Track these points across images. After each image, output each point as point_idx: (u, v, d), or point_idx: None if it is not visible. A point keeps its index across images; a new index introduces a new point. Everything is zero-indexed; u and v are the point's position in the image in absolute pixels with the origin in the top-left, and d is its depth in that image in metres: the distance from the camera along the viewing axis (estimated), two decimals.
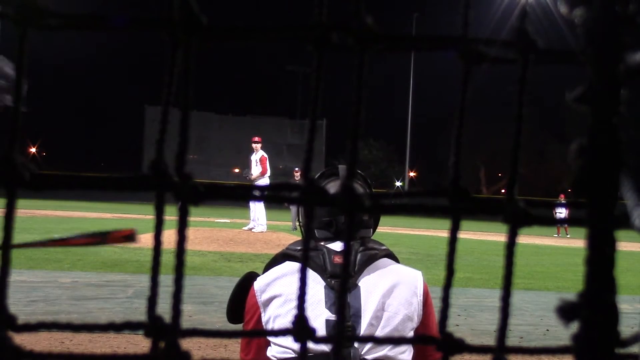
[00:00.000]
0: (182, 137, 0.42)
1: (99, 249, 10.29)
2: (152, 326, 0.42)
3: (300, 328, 0.44)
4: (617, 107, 0.42)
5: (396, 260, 1.96)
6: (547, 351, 0.45)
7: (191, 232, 11.77)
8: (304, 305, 0.45)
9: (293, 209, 18.44)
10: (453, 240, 0.45)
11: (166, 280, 0.40)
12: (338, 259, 1.82)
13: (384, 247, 1.96)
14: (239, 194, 0.44)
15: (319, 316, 1.73)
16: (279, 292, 1.80)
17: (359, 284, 1.79)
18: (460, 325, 5.84)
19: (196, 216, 18.33)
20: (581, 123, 0.43)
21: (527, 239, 19.37)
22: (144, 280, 7.21)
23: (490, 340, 5.14)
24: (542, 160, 50.89)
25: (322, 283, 1.78)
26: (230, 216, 22.03)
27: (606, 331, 0.41)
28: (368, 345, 1.71)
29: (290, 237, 13.34)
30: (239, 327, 1.92)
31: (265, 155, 14.79)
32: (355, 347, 1.70)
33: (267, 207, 14.66)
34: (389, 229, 22.48)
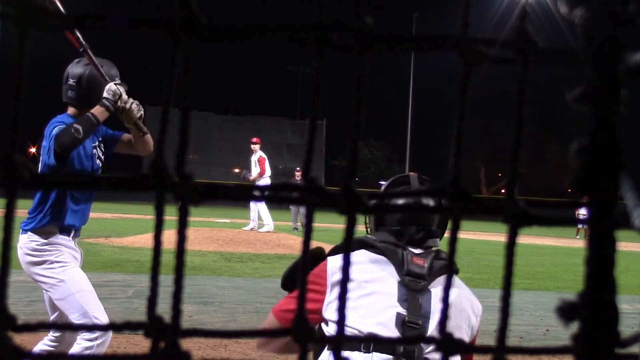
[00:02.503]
0: (182, 137, 0.42)
1: (98, 249, 10.29)
2: (152, 326, 0.42)
3: (301, 328, 0.44)
4: (617, 107, 0.42)
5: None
6: (547, 351, 0.45)
7: (191, 232, 11.76)
8: (304, 305, 0.45)
9: (293, 208, 18.44)
10: (453, 240, 0.45)
11: (166, 280, 0.40)
12: (417, 260, 1.89)
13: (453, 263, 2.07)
14: (239, 194, 0.44)
15: (390, 308, 1.80)
16: (351, 277, 1.83)
17: (431, 289, 1.86)
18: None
19: (196, 216, 18.35)
20: (581, 123, 0.43)
21: (527, 239, 19.37)
22: (144, 280, 7.21)
23: (490, 340, 5.13)
24: (542, 160, 50.89)
25: (397, 278, 1.85)
26: (230, 216, 22.03)
27: (606, 331, 0.41)
28: (431, 347, 1.75)
29: (290, 237, 13.34)
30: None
31: (264, 156, 14.82)
32: (420, 346, 1.75)
33: (269, 207, 14.69)
34: None
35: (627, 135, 0.42)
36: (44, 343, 3.35)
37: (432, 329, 1.78)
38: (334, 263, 1.91)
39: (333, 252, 1.99)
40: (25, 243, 3.23)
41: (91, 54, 3.18)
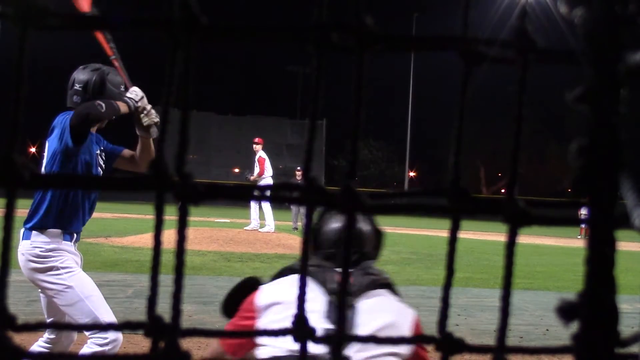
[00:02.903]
0: (182, 137, 0.42)
1: (98, 249, 10.30)
2: (152, 326, 0.42)
3: (300, 328, 0.44)
4: (617, 107, 0.42)
5: (394, 290, 2.08)
6: (547, 351, 0.45)
7: (191, 232, 11.77)
8: (304, 305, 0.45)
9: (294, 208, 18.45)
10: (453, 240, 0.45)
11: (166, 280, 0.40)
12: (339, 277, 1.92)
13: (385, 276, 2.08)
14: (239, 194, 0.44)
15: (317, 324, 1.77)
16: (281, 300, 1.89)
17: (357, 305, 1.91)
18: (460, 325, 5.84)
19: (196, 216, 18.35)
20: (581, 123, 0.43)
21: (527, 239, 19.37)
22: (144, 280, 7.21)
23: (490, 340, 5.14)
24: (542, 160, 50.88)
25: (323, 296, 1.89)
26: (230, 216, 22.03)
27: (606, 331, 0.41)
28: (357, 347, 1.80)
29: (290, 237, 13.34)
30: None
31: (264, 157, 14.83)
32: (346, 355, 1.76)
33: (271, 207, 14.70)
34: (389, 229, 22.43)
35: (627, 135, 0.42)
36: (39, 345, 3.35)
37: (356, 346, 1.81)
38: (264, 290, 1.97)
39: (273, 278, 2.08)
40: (27, 249, 3.19)
41: (120, 62, 3.25)
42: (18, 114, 0.40)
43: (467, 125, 0.45)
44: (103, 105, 3.13)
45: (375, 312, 1.90)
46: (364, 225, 2.10)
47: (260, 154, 14.82)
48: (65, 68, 3.50)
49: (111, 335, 3.19)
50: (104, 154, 3.44)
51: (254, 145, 15.00)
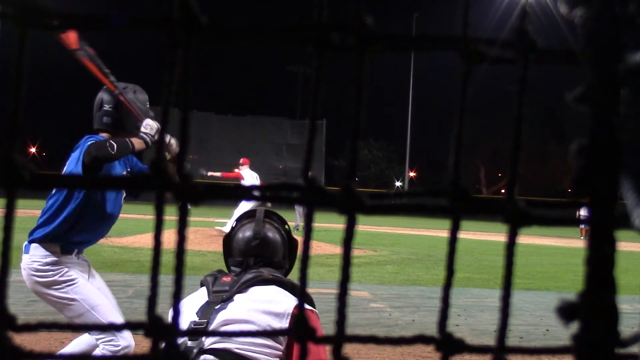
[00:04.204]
0: (182, 137, 0.42)
1: (99, 249, 10.30)
2: (152, 326, 0.42)
3: (301, 327, 0.44)
4: (617, 107, 0.42)
5: (292, 291, 2.13)
6: (547, 351, 0.45)
7: (191, 232, 11.78)
8: (303, 305, 0.45)
9: (298, 208, 18.48)
10: (453, 240, 0.45)
11: (166, 280, 0.40)
12: (225, 279, 2.09)
13: (278, 276, 2.15)
14: (239, 194, 0.44)
15: (189, 320, 1.99)
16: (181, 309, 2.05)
17: (234, 298, 2.02)
18: (460, 325, 5.84)
19: (196, 216, 18.33)
20: (581, 123, 0.43)
21: (527, 239, 19.37)
22: (144, 280, 7.21)
23: (490, 340, 5.14)
24: (542, 160, 50.88)
25: (205, 299, 2.05)
26: (230, 216, 22.03)
27: (606, 331, 0.41)
28: (212, 339, 1.91)
29: None
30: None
31: (244, 174, 15.03)
32: (202, 340, 1.93)
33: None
34: (389, 229, 22.47)
35: (627, 135, 0.42)
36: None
37: (215, 323, 1.94)
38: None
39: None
40: (27, 264, 3.17)
41: (126, 96, 3.25)
42: (18, 114, 0.40)
43: (467, 125, 0.45)
44: (115, 146, 3.08)
45: (249, 303, 1.99)
46: (274, 234, 2.24)
47: (243, 172, 14.97)
48: (66, 67, 3.48)
49: (123, 342, 3.16)
50: (130, 174, 3.42)
51: (240, 166, 15.24)
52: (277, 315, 1.97)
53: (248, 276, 2.07)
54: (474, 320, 6.25)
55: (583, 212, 0.45)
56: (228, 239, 2.27)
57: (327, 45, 0.43)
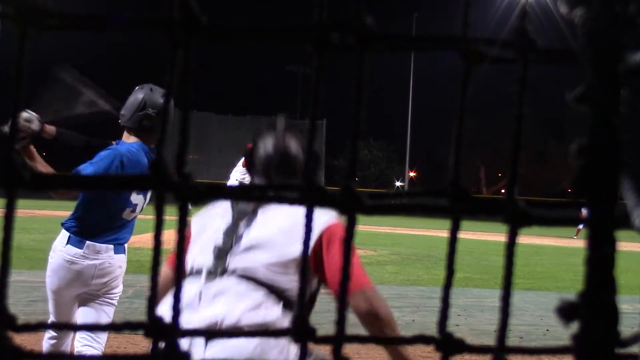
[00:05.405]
0: (182, 137, 0.42)
1: None
2: (152, 326, 0.42)
3: (301, 328, 0.44)
4: (617, 107, 0.42)
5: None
6: (547, 351, 0.45)
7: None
8: (303, 306, 0.45)
9: None
10: (453, 240, 0.45)
11: None
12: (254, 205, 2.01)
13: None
14: (239, 194, 0.44)
15: (215, 240, 1.96)
16: (203, 224, 2.03)
17: (259, 212, 1.98)
18: (460, 325, 5.84)
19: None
20: (581, 123, 0.43)
21: (527, 239, 19.36)
22: (144, 280, 7.20)
23: (490, 340, 5.13)
24: (542, 160, 50.86)
25: (229, 216, 2.00)
26: None
27: (606, 331, 0.41)
28: (238, 260, 1.90)
29: None
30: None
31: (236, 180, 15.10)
32: (226, 260, 1.92)
33: None
34: (389, 229, 22.46)
35: (627, 135, 0.42)
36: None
37: (241, 244, 1.92)
38: (196, 219, 2.10)
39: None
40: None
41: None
42: (17, 114, 0.40)
43: (467, 125, 0.45)
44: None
45: (277, 217, 1.95)
46: (296, 146, 2.10)
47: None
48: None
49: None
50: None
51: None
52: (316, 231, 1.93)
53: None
54: (474, 320, 6.25)
55: (584, 212, 0.45)
56: (250, 151, 2.22)
57: (327, 45, 0.43)
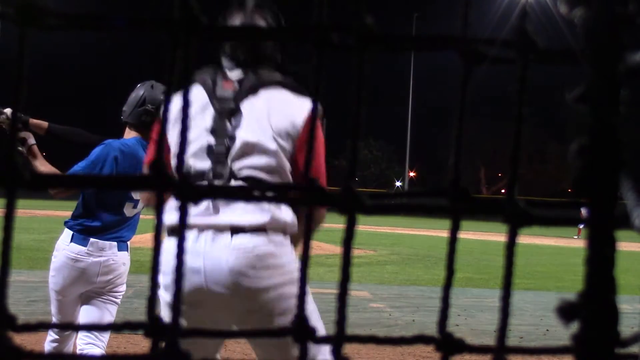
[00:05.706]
0: (182, 137, 0.42)
1: None
2: (152, 326, 0.42)
3: (301, 328, 0.44)
4: (617, 107, 0.42)
5: (296, 90, 2.07)
6: (547, 351, 0.45)
7: None
8: (303, 305, 0.45)
9: None
10: (453, 240, 0.45)
11: None
12: (226, 85, 1.96)
13: (278, 76, 2.05)
14: (239, 194, 0.44)
15: (201, 138, 1.91)
16: (171, 117, 1.92)
17: (242, 107, 1.94)
18: (460, 325, 5.84)
19: None
20: (581, 123, 0.43)
21: (527, 239, 19.37)
22: (144, 280, 7.20)
23: (490, 340, 5.13)
24: (542, 160, 50.88)
25: (211, 109, 1.94)
26: None
27: (606, 331, 0.41)
28: (238, 164, 1.90)
29: None
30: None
31: None
32: (227, 164, 1.91)
33: None
34: (389, 229, 22.47)
35: (627, 135, 0.42)
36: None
37: (237, 147, 1.90)
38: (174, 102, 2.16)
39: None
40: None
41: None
42: (17, 114, 0.40)
43: (467, 125, 0.45)
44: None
45: (262, 109, 1.92)
46: (259, 21, 2.04)
47: None
48: (66, 67, 3.45)
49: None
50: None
51: None
52: (294, 125, 1.96)
53: (248, 83, 1.96)
54: (474, 320, 6.25)
55: (584, 212, 0.45)
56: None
57: (327, 45, 0.43)
